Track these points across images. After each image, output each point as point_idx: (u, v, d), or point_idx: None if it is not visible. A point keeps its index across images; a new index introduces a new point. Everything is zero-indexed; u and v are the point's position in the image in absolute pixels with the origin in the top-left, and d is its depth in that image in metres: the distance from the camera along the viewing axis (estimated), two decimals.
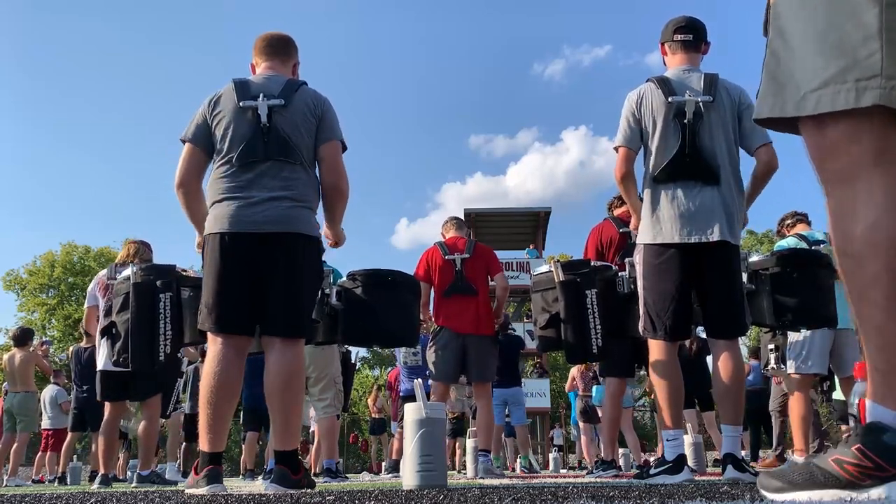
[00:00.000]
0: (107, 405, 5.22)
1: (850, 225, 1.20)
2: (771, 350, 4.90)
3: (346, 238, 3.22)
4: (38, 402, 9.18)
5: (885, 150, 1.18)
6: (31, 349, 8.98)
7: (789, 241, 4.60)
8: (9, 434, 8.60)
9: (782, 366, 4.80)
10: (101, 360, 5.01)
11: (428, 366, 5.37)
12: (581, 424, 9.90)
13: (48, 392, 9.52)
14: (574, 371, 9.77)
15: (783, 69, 1.29)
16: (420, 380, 3.06)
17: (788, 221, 5.02)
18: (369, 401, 15.04)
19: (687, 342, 7.03)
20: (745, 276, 3.48)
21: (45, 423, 9.50)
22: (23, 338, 8.93)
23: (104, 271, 5.39)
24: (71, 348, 9.15)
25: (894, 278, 1.15)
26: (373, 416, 14.44)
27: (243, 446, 8.42)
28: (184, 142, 2.97)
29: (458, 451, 11.41)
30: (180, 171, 2.96)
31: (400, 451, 7.98)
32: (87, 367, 7.88)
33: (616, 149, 3.39)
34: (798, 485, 1.25)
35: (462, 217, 6.02)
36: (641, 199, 3.42)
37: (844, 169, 1.21)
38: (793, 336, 4.70)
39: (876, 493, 1.16)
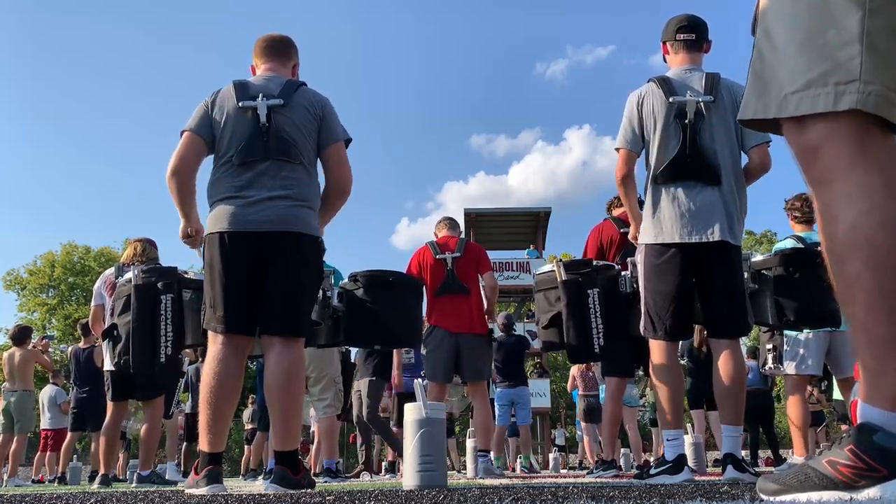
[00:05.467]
0: (110, 405, 5.24)
1: (832, 226, 1.21)
2: (769, 350, 4.89)
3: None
4: (35, 402, 9.11)
5: (863, 152, 1.19)
6: (31, 347, 8.91)
7: (786, 244, 4.59)
8: (7, 434, 8.54)
9: (780, 366, 4.80)
10: (108, 360, 5.03)
11: (423, 365, 5.34)
12: (583, 424, 9.88)
13: (47, 392, 9.48)
14: (574, 370, 9.76)
15: (768, 70, 1.29)
16: (420, 379, 3.06)
17: (797, 214, 4.83)
18: None
19: (696, 343, 7.04)
20: (747, 276, 3.48)
21: (45, 423, 9.47)
22: (21, 336, 8.84)
23: (111, 270, 5.34)
24: (70, 349, 9.10)
25: (875, 277, 1.17)
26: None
27: (249, 447, 8.35)
28: (183, 133, 2.93)
29: (451, 452, 11.41)
30: (178, 156, 2.88)
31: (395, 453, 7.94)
32: (85, 368, 7.90)
33: (617, 150, 3.41)
34: (794, 486, 1.26)
35: (457, 218, 5.95)
36: (641, 200, 3.43)
37: (825, 170, 1.22)
38: (789, 336, 4.69)
39: (870, 493, 1.16)
